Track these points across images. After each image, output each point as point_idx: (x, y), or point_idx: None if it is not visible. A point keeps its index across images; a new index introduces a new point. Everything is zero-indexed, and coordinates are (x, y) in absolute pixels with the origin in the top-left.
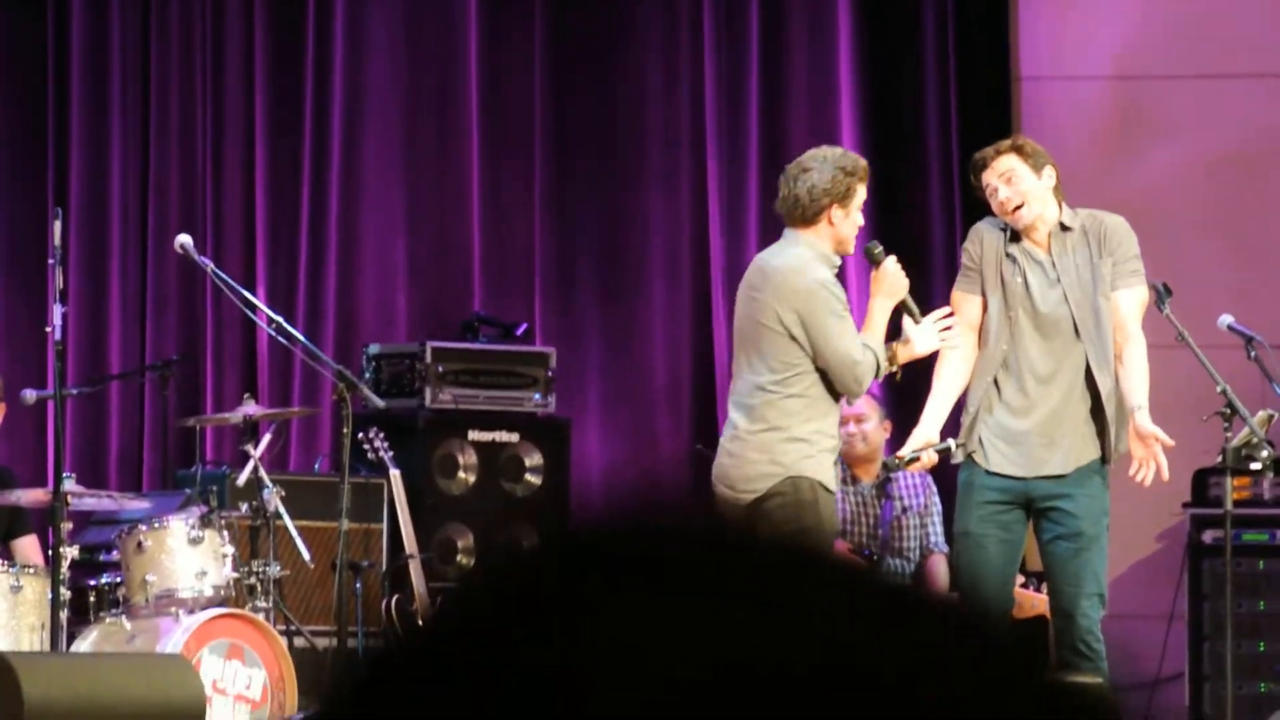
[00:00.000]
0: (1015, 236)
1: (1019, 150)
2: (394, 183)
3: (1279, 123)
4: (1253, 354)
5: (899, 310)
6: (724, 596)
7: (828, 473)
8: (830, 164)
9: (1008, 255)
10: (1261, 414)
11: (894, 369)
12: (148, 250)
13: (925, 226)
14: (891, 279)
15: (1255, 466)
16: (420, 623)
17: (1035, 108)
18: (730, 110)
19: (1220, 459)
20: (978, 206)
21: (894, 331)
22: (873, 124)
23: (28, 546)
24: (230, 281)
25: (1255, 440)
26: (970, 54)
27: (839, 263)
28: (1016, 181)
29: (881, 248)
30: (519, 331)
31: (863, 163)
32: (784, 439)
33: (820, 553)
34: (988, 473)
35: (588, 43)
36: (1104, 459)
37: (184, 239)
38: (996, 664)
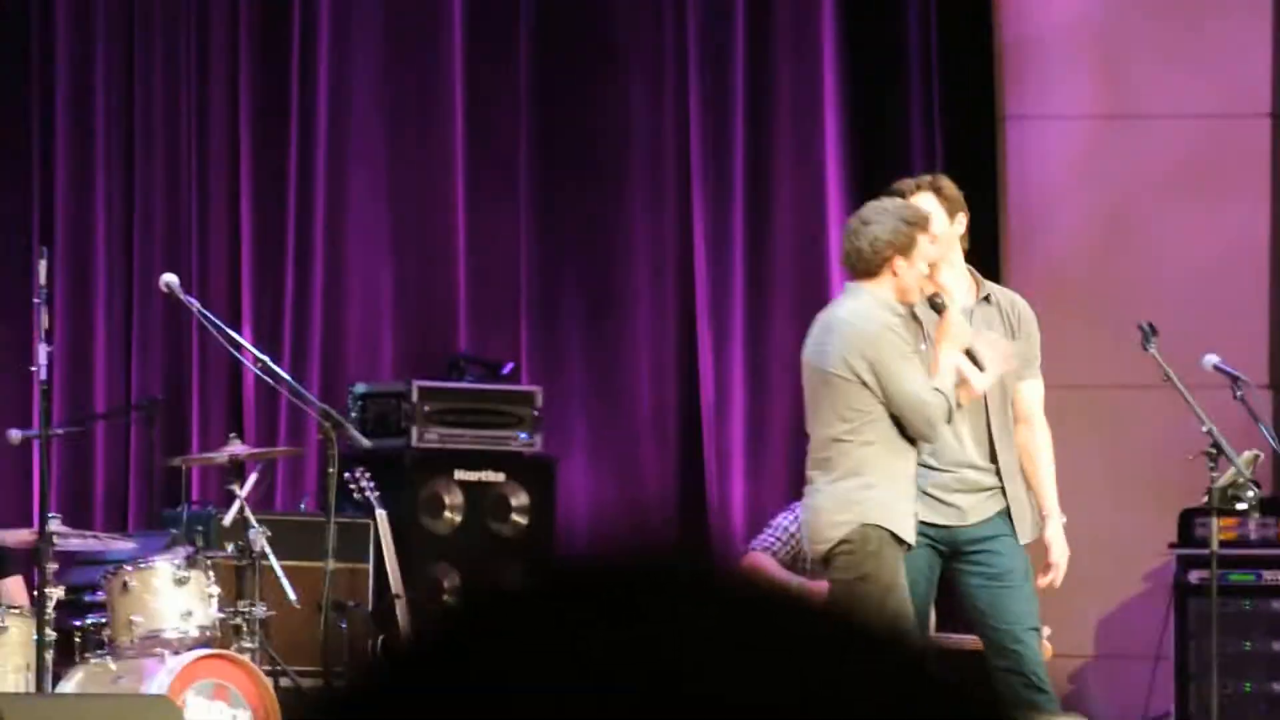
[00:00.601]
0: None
1: (938, 191)
2: (379, 221)
3: (1261, 160)
4: (1239, 394)
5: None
6: (673, 633)
7: (903, 521)
8: (892, 215)
9: (914, 317)
10: (1247, 454)
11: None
12: (133, 289)
13: None
14: (956, 327)
15: (1241, 507)
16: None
17: (1019, 145)
18: (715, 139)
19: (1206, 499)
20: None
21: None
22: (857, 151)
23: (13, 587)
24: (216, 320)
25: (1241, 480)
26: (955, 89)
27: (903, 311)
28: (930, 223)
29: (945, 297)
30: (505, 370)
31: (925, 213)
32: (859, 486)
33: (790, 595)
34: (921, 521)
35: (571, 72)
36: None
37: (169, 278)
38: (976, 713)
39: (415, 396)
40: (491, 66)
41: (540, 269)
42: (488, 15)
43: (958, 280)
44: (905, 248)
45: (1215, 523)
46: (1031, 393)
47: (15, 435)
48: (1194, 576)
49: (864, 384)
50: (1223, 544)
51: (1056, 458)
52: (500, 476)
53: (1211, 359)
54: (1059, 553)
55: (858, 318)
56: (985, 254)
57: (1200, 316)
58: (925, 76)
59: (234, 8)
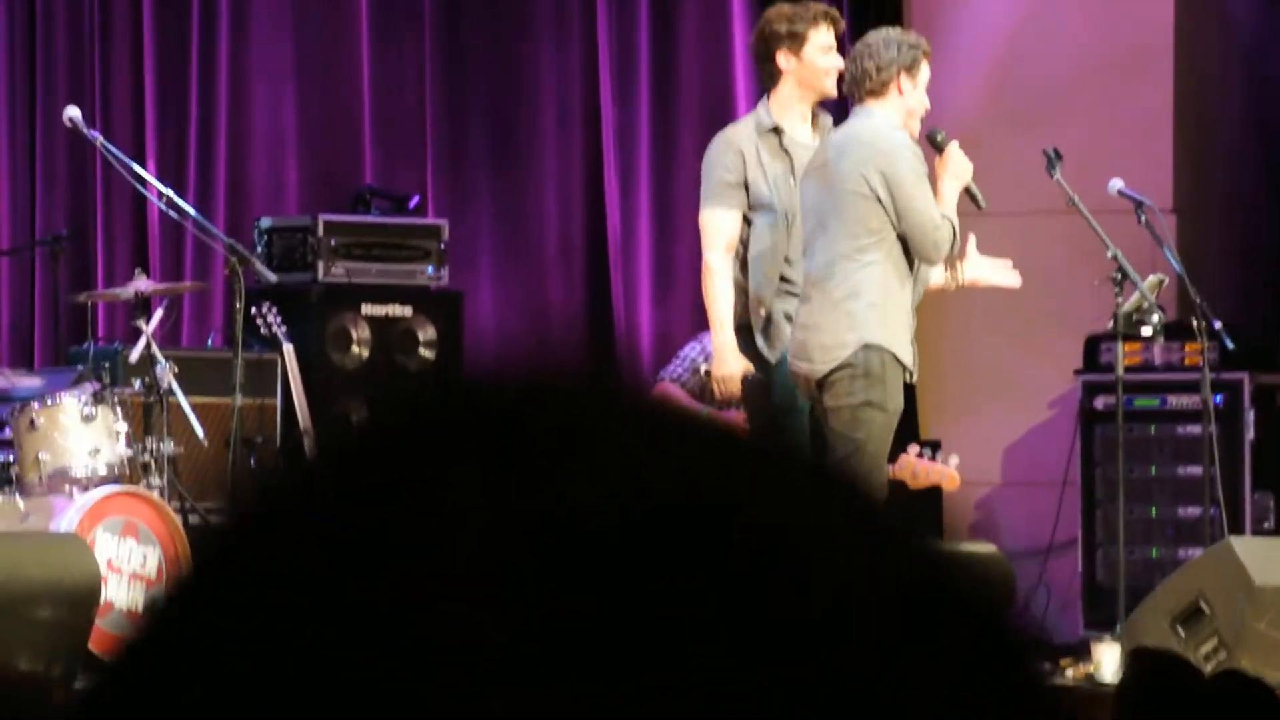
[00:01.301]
0: (776, 130)
1: (834, 23)
2: (283, 55)
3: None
4: (1143, 219)
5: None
6: (569, 458)
7: (904, 345)
8: (894, 37)
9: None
10: (1152, 278)
11: (957, 283)
12: (36, 124)
13: None
14: (957, 162)
15: (1146, 332)
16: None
17: None
18: None
19: (1111, 325)
20: None
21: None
22: None
23: None
24: (120, 155)
25: (1146, 305)
26: None
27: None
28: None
29: (944, 134)
30: (411, 204)
31: (925, 41)
32: (864, 305)
33: (704, 419)
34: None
35: None
36: None
37: (72, 112)
38: (876, 530)
39: (321, 230)
40: None
41: (446, 105)
42: None
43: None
44: (910, 66)
45: (1120, 348)
46: None
47: None
48: (1100, 402)
49: (878, 200)
50: (1128, 369)
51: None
52: (407, 310)
53: (1116, 184)
54: None
55: (873, 134)
56: None
57: (1105, 141)
58: None
59: None
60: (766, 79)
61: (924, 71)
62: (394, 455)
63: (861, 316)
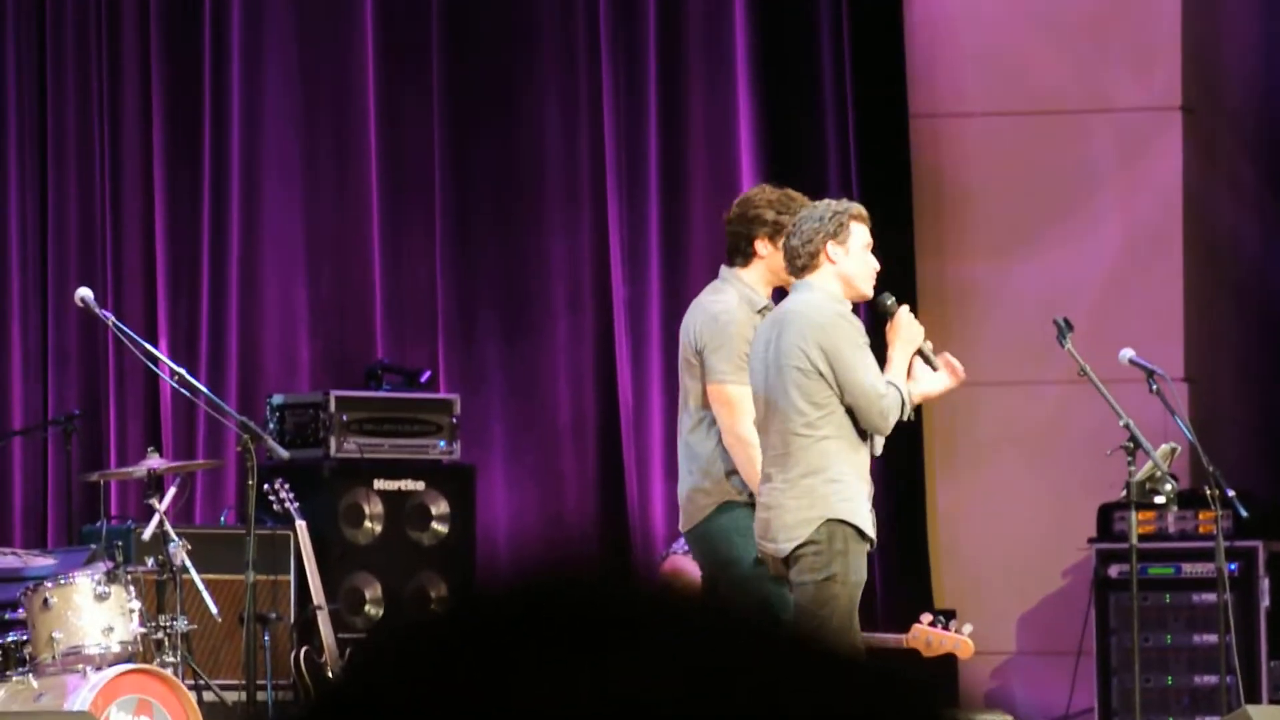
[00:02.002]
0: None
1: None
2: (294, 231)
3: (1173, 153)
4: (1154, 387)
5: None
6: (621, 656)
7: (864, 516)
8: (819, 209)
9: None
10: (1164, 447)
11: (908, 413)
12: (48, 304)
13: None
14: (907, 328)
15: (1159, 500)
16: (329, 678)
17: (930, 143)
18: (629, 149)
19: (1124, 493)
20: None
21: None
22: (772, 160)
23: None
24: (131, 334)
25: (1159, 474)
26: (868, 92)
27: (849, 307)
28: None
29: (894, 299)
30: (423, 379)
31: (856, 205)
32: (823, 481)
33: (722, 610)
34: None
35: (486, 86)
36: None
37: (84, 292)
38: (897, 705)
39: (333, 406)
40: (405, 77)
41: (456, 280)
42: (400, 29)
43: None
44: (835, 232)
45: (1134, 516)
46: None
47: None
48: (1114, 571)
49: (820, 374)
50: (1142, 538)
51: (974, 454)
52: (419, 485)
53: (1127, 353)
54: None
55: (809, 308)
56: (898, 249)
57: (1115, 311)
58: (838, 81)
59: (145, 20)
60: (737, 255)
61: (856, 234)
62: (430, 674)
63: (821, 492)
